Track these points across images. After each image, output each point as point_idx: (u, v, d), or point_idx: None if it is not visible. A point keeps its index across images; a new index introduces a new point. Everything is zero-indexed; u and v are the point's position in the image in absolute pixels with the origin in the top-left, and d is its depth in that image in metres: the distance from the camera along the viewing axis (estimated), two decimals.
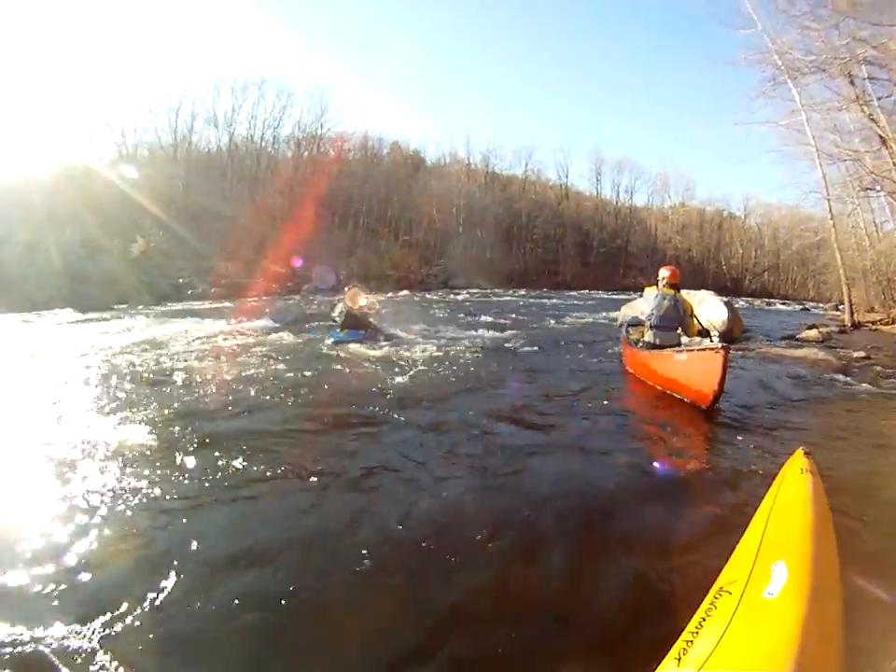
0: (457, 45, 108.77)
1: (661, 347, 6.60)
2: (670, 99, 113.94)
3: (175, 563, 2.53)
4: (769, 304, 40.58)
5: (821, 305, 38.58)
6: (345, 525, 2.98)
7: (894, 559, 2.73)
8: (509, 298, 30.85)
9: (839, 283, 20.85)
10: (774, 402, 6.29)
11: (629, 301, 16.83)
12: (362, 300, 10.16)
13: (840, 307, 23.05)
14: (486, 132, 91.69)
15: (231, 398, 5.59)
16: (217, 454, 3.94)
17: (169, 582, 2.40)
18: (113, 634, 2.07)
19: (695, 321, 6.98)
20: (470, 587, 2.44)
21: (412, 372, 7.13)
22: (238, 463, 3.77)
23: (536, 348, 9.98)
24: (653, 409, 5.87)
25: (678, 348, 6.32)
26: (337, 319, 10.04)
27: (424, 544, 2.79)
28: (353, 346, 9.03)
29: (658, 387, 6.37)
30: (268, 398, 5.63)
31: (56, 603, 2.26)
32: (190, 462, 3.78)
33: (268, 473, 3.65)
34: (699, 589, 1.72)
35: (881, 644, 1.94)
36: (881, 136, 15.62)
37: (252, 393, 5.79)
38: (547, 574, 2.56)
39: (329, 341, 9.51)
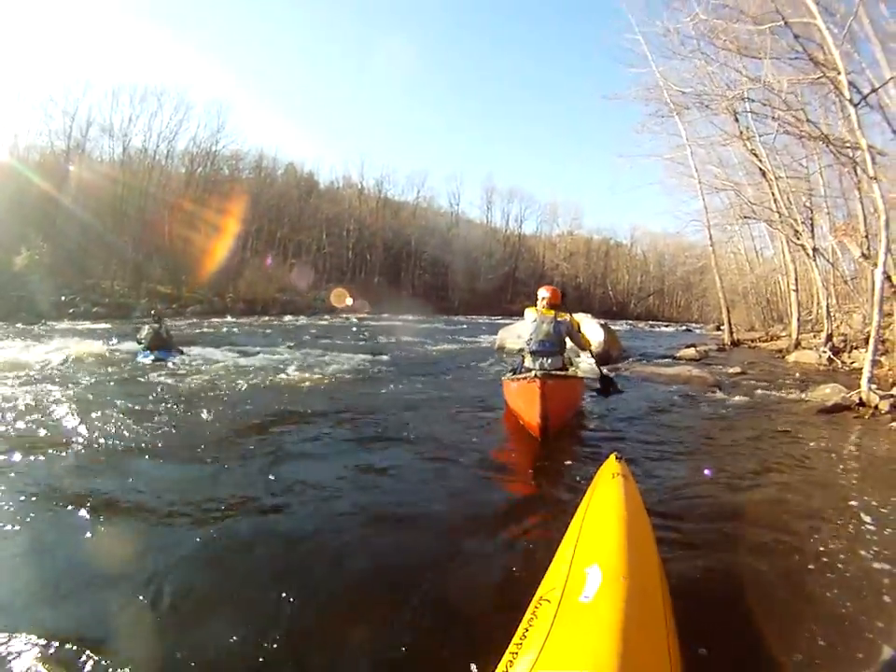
0: (354, 68, 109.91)
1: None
2: (561, 129, 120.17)
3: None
4: (653, 326, 42.90)
5: (704, 326, 41.20)
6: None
7: (715, 553, 2.86)
8: (396, 322, 30.35)
9: (720, 304, 21.94)
10: (627, 418, 6.39)
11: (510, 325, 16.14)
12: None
13: (721, 327, 23.66)
14: (380, 157, 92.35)
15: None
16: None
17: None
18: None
19: (585, 336, 6.89)
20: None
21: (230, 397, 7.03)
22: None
23: (406, 373, 9.77)
24: (497, 437, 5.82)
25: (514, 376, 6.07)
26: (143, 340, 10.51)
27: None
28: (168, 365, 9.55)
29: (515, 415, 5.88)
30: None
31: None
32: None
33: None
34: (523, 599, 1.72)
35: (710, 635, 2.05)
36: (761, 170, 16.33)
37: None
38: (371, 606, 2.42)
39: (144, 359, 9.98)
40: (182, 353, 10.88)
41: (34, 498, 3.47)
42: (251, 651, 2.05)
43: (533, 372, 5.39)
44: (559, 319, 6.26)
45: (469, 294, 59.54)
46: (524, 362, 6.32)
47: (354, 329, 24.12)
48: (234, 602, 2.43)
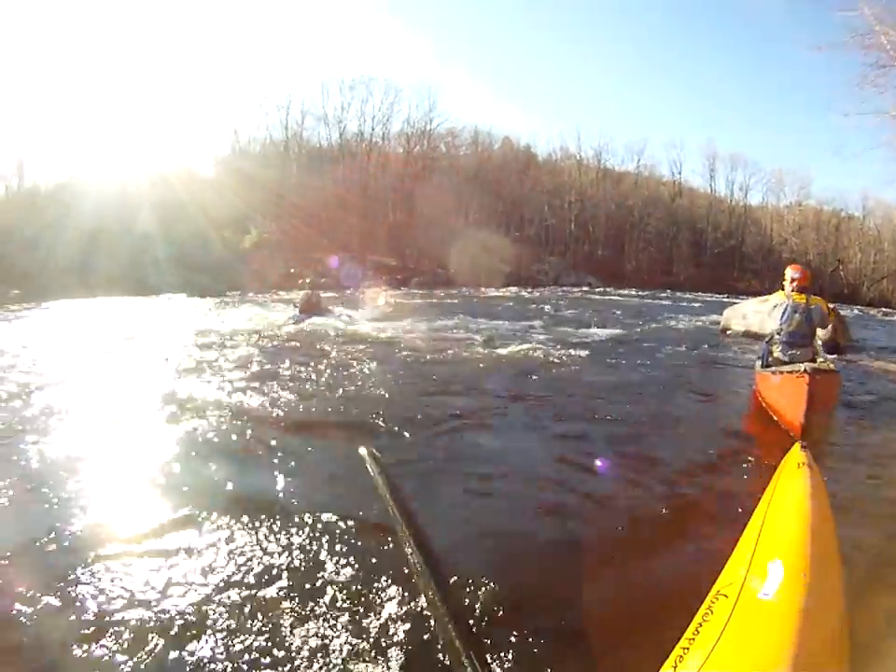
0: (565, 38, 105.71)
1: (790, 364, 5.78)
2: (779, 89, 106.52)
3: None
4: (886, 315, 36.94)
5: None
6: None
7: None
8: (618, 297, 30.31)
9: None
10: (855, 420, 5.88)
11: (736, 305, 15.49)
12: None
13: None
14: (597, 125, 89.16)
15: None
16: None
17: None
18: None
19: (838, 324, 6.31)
20: (474, 588, 2.36)
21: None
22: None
23: (624, 354, 9.68)
24: (744, 428, 5.70)
25: (772, 369, 5.80)
26: (297, 305, 13.39)
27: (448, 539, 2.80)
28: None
29: (766, 409, 5.68)
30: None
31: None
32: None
33: None
34: (700, 593, 1.65)
35: (886, 641, 1.87)
36: None
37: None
38: (547, 578, 2.52)
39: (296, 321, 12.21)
40: (331, 312, 13.10)
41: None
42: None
43: (802, 367, 5.05)
44: (811, 306, 5.93)
45: (694, 269, 55.63)
46: (771, 353, 6.14)
47: (578, 303, 23.93)
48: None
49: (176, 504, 3.10)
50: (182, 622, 2.13)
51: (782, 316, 5.93)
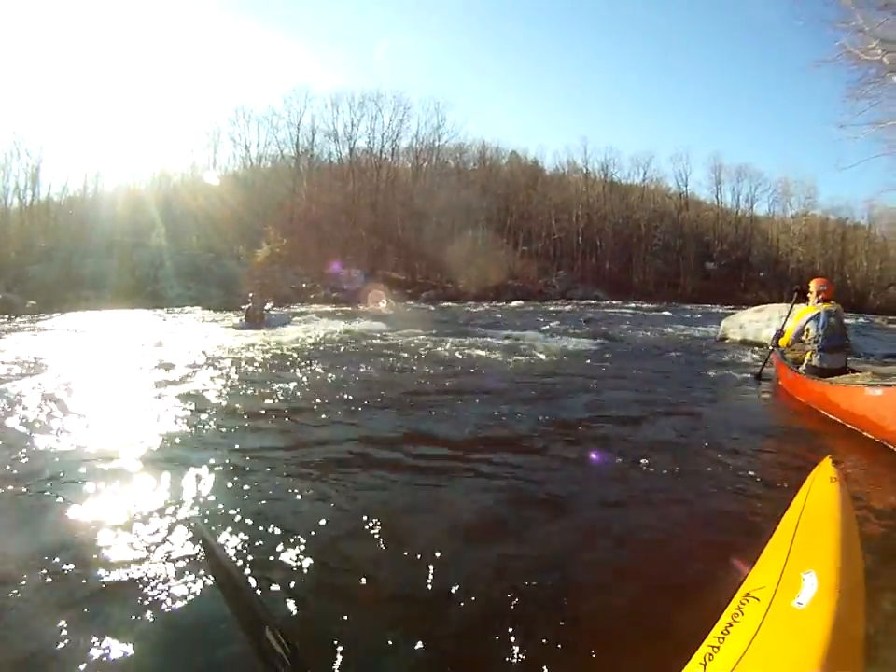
0: (573, 49, 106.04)
1: (828, 371, 6.04)
2: (785, 101, 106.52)
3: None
4: (891, 322, 36.92)
5: None
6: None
7: None
8: (625, 311, 29.81)
9: None
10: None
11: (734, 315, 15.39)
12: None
13: None
14: (604, 139, 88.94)
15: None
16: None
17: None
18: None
19: None
20: (509, 587, 2.40)
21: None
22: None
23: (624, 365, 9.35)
24: (768, 435, 5.42)
25: (868, 382, 5.46)
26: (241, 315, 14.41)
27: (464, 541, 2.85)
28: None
29: (839, 420, 5.57)
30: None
31: None
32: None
33: None
34: (724, 593, 1.66)
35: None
36: None
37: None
38: (574, 573, 2.59)
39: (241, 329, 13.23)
40: (268, 325, 13.91)
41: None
42: None
43: None
44: (841, 314, 6.29)
45: (700, 281, 55.33)
46: (810, 360, 6.27)
47: (580, 316, 23.75)
48: None
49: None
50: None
51: (817, 323, 6.11)
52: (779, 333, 7.01)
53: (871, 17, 14.34)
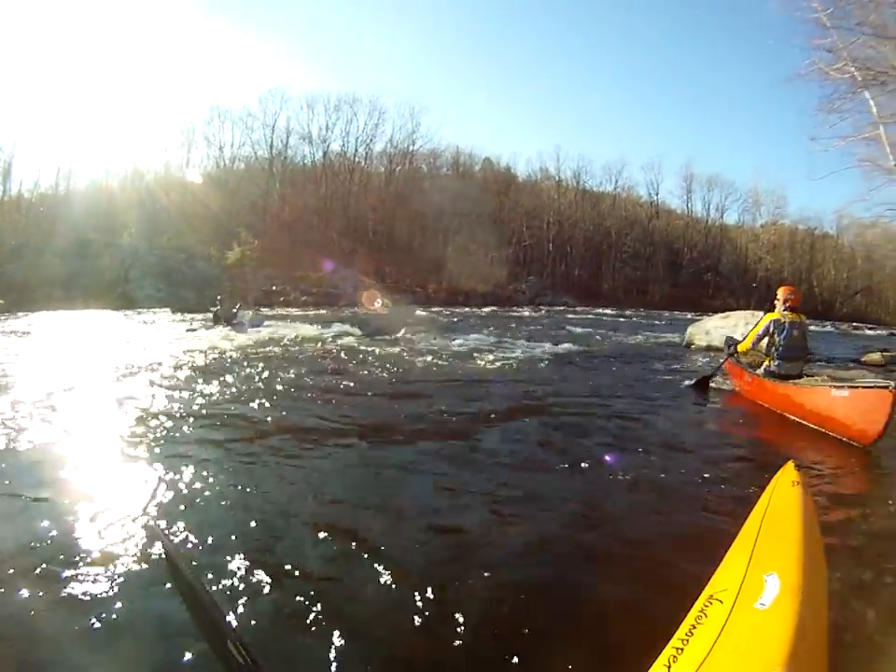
0: (550, 59, 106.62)
1: (785, 377, 6.21)
2: (758, 112, 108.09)
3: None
4: (856, 328, 37.45)
5: None
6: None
7: (878, 575, 2.72)
8: (591, 316, 30.10)
9: None
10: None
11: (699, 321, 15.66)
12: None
13: None
14: (576, 147, 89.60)
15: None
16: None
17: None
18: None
19: None
20: (467, 590, 2.42)
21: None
22: None
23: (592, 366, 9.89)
24: (798, 441, 5.42)
25: (832, 383, 5.67)
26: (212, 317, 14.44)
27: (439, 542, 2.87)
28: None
29: (803, 422, 5.78)
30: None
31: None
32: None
33: None
34: (688, 596, 1.70)
35: (865, 655, 2.03)
36: None
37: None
38: (538, 579, 2.57)
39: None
40: (237, 327, 13.85)
41: None
42: None
43: (892, 384, 4.94)
44: (804, 325, 6.39)
45: (669, 288, 56.16)
46: (768, 366, 6.40)
47: (548, 321, 24.34)
48: None
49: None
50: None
51: (781, 333, 6.21)
52: (735, 340, 7.22)
53: (844, 36, 14.83)
